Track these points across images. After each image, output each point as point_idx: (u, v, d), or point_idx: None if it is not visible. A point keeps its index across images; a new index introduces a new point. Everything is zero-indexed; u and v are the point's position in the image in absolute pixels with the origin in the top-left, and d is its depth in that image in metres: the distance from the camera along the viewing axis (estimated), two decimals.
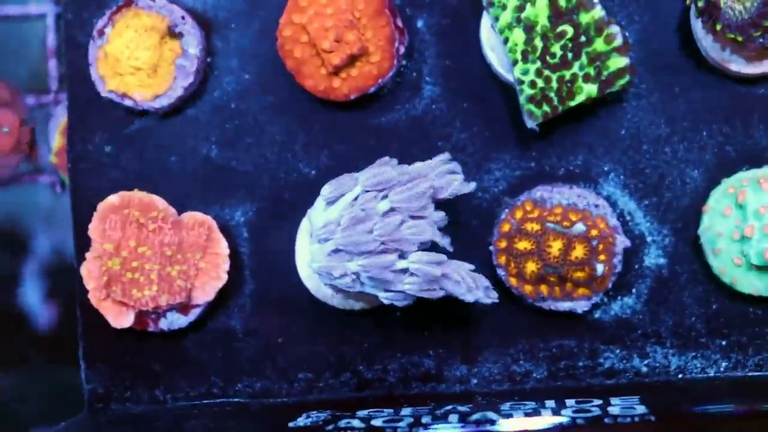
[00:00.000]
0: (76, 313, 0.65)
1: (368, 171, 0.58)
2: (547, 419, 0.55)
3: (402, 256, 0.57)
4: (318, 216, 0.59)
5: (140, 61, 0.62)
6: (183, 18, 0.62)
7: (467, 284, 0.57)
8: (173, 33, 0.62)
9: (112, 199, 0.61)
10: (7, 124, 0.70)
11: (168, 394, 0.64)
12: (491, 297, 0.58)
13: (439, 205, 0.59)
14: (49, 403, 0.70)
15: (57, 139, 0.72)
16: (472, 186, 0.58)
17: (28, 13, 0.70)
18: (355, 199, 0.58)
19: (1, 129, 0.70)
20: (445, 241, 0.58)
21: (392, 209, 0.57)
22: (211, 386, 0.63)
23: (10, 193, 0.76)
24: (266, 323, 0.63)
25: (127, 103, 0.62)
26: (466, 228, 0.62)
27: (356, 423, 0.56)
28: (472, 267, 0.57)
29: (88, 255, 0.62)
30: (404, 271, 0.57)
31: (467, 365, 0.63)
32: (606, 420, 0.54)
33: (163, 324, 0.62)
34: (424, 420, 0.56)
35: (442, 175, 0.58)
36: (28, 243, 0.92)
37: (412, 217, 0.57)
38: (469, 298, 0.57)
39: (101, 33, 0.62)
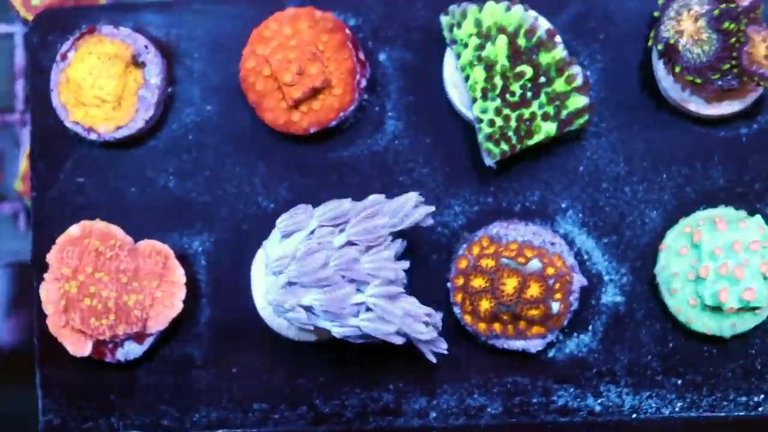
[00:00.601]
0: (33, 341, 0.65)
1: (325, 206, 0.59)
2: None
3: (358, 289, 0.57)
4: (273, 248, 0.60)
5: (104, 91, 0.62)
6: (146, 47, 0.63)
7: (422, 329, 0.57)
8: (137, 62, 0.63)
9: (73, 230, 0.62)
10: None
11: (121, 423, 0.64)
12: (440, 348, 0.58)
13: (400, 235, 0.60)
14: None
15: (23, 163, 0.72)
16: (429, 221, 0.59)
17: None
18: (311, 233, 0.59)
19: None
20: (401, 275, 0.58)
21: (349, 242, 0.57)
22: (164, 416, 0.64)
23: None
24: (222, 353, 0.64)
25: (91, 136, 0.63)
26: (426, 263, 0.63)
27: None
28: (430, 310, 0.58)
29: (46, 276, 0.62)
30: (360, 305, 0.57)
31: (426, 397, 0.63)
32: None
33: (120, 354, 0.63)
34: None
35: (407, 212, 0.58)
36: None
37: (369, 248, 0.57)
38: (422, 343, 0.57)
39: (64, 57, 0.63)
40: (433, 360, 0.58)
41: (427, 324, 0.58)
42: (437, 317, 0.58)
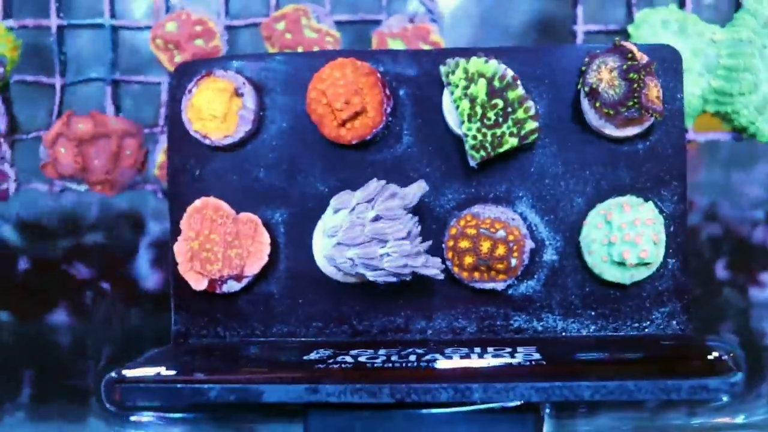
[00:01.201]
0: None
1: (361, 190, 0.58)
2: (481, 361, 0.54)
3: (382, 246, 0.56)
4: (328, 219, 0.59)
5: (216, 111, 0.61)
6: (244, 83, 0.61)
7: (425, 262, 0.56)
8: (238, 93, 0.61)
9: (196, 203, 0.61)
10: (129, 149, 0.69)
11: (227, 332, 0.63)
12: (439, 273, 0.57)
13: (414, 212, 0.59)
14: (155, 339, 0.69)
15: (160, 157, 0.71)
16: (424, 187, 0.58)
17: (148, 80, 0.69)
18: (353, 209, 0.58)
19: (125, 152, 0.69)
20: (416, 231, 0.57)
21: (378, 216, 0.56)
22: (254, 329, 0.63)
23: (132, 194, 0.75)
24: (292, 289, 0.62)
25: (206, 141, 0.61)
26: (429, 230, 0.61)
27: (348, 359, 0.56)
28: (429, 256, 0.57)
29: (179, 238, 0.61)
30: (386, 255, 0.56)
31: (426, 321, 0.62)
32: (513, 363, 0.54)
33: (225, 288, 0.62)
34: (393, 358, 0.55)
35: (413, 195, 0.58)
36: (144, 227, 0.92)
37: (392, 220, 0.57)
38: (427, 272, 0.57)
39: (190, 91, 0.61)
40: (440, 277, 0.57)
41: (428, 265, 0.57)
42: (436, 260, 0.57)
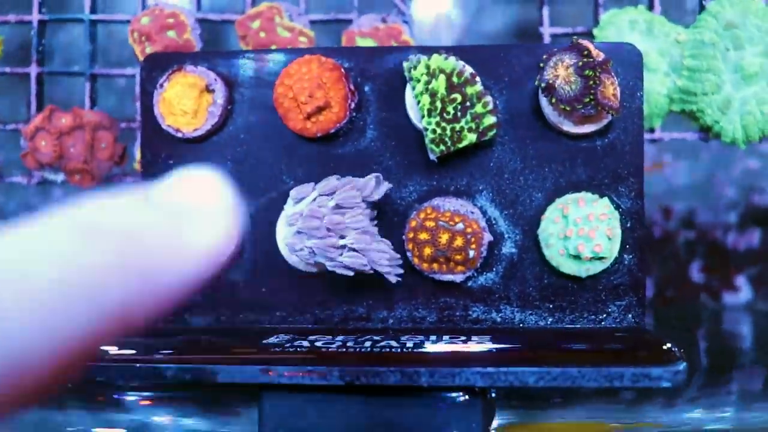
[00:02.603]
0: None
1: (323, 182, 0.60)
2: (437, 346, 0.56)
3: (342, 238, 0.58)
4: (289, 209, 0.60)
5: (186, 107, 0.62)
6: (215, 79, 0.63)
7: (385, 259, 0.58)
8: (209, 89, 0.63)
9: None
10: (104, 141, 0.71)
11: (192, 318, 0.64)
12: (397, 276, 0.59)
13: (374, 205, 0.61)
14: None
15: (139, 152, 0.73)
16: (383, 188, 0.59)
17: (125, 73, 0.71)
18: (314, 200, 0.59)
19: (100, 145, 0.71)
20: (372, 228, 0.59)
21: (337, 205, 0.58)
22: (220, 316, 0.64)
23: (108, 188, 0.77)
24: (257, 279, 0.64)
25: (178, 134, 0.63)
26: (390, 222, 0.63)
27: (305, 343, 0.57)
28: (391, 246, 0.58)
29: None
30: (343, 248, 0.58)
31: (387, 311, 0.63)
32: (463, 349, 0.55)
33: None
34: (348, 343, 0.57)
35: (369, 185, 0.59)
36: None
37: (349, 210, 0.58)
38: (384, 270, 0.58)
39: (161, 85, 0.63)
40: (393, 281, 0.58)
41: (389, 259, 0.58)
42: (396, 255, 0.59)
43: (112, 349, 0.56)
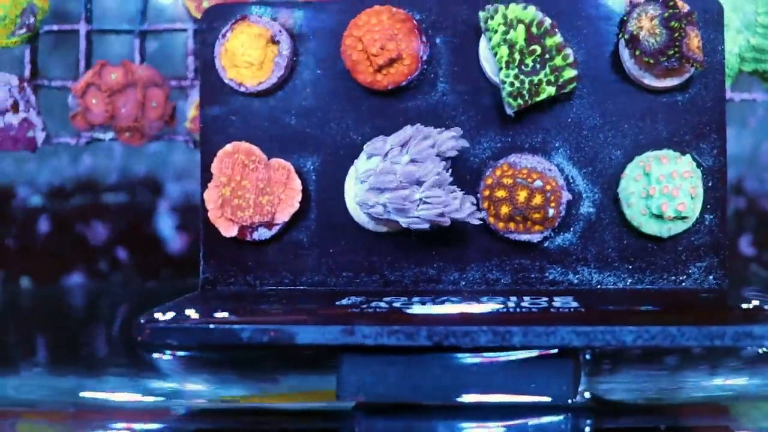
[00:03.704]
0: (199, 240, 0.63)
1: (395, 135, 0.57)
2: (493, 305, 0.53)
3: (417, 190, 0.55)
4: (361, 165, 0.57)
5: (252, 58, 0.60)
6: (280, 31, 0.60)
7: (460, 205, 0.55)
8: (274, 40, 0.60)
9: (228, 147, 0.60)
10: (155, 100, 0.68)
11: (256, 280, 0.62)
12: (479, 219, 0.56)
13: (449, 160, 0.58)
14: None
15: (191, 111, 0.70)
16: (464, 143, 0.57)
17: (175, 27, 0.68)
18: (386, 154, 0.56)
19: (151, 103, 0.68)
20: (447, 177, 0.56)
21: (412, 160, 0.55)
22: (283, 278, 0.62)
23: (155, 147, 0.74)
24: (323, 238, 0.61)
25: (241, 89, 0.60)
26: (463, 180, 0.60)
27: (382, 304, 0.54)
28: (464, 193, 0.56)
29: (209, 185, 0.60)
30: (418, 201, 0.55)
31: (459, 272, 0.61)
32: (552, 309, 0.52)
33: (255, 235, 0.61)
34: (428, 305, 0.54)
35: (446, 140, 0.57)
36: (164, 186, 0.91)
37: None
38: (463, 216, 0.56)
39: (224, 35, 0.61)
40: (477, 222, 0.57)
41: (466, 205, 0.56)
42: (472, 199, 0.57)
43: (180, 314, 0.53)
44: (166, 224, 0.92)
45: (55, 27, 0.71)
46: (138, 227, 0.91)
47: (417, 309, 0.53)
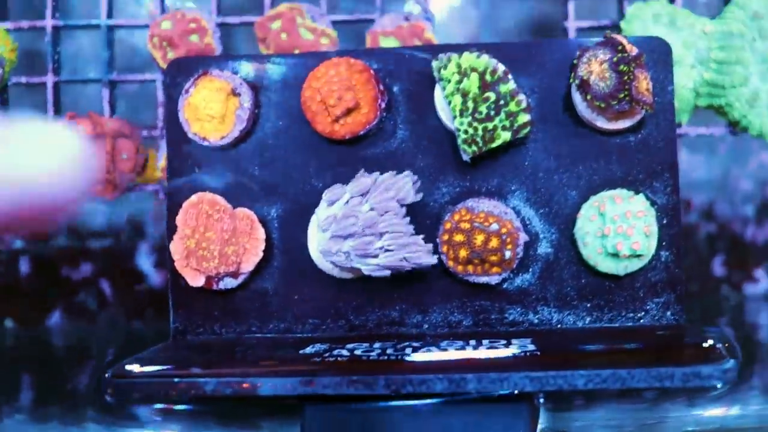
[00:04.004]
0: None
1: (353, 183, 0.58)
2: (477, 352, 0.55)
3: (378, 238, 0.57)
4: (322, 212, 0.59)
5: (214, 111, 0.61)
6: (241, 83, 0.62)
7: (421, 249, 0.57)
8: (235, 93, 0.62)
9: (192, 198, 0.61)
10: (126, 151, 0.69)
11: (223, 329, 0.63)
12: (432, 260, 0.58)
13: (408, 206, 0.59)
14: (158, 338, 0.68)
15: (162, 161, 0.71)
16: (419, 196, 0.59)
17: (144, 78, 0.69)
18: (347, 202, 0.58)
19: (121, 155, 0.69)
20: (408, 227, 0.58)
21: (371, 208, 0.57)
22: (251, 326, 0.63)
23: (130, 197, 0.76)
24: (288, 286, 0.62)
25: (204, 143, 0.62)
26: (423, 225, 0.61)
27: (344, 352, 0.56)
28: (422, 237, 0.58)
29: (175, 237, 0.61)
30: (380, 249, 0.57)
31: (421, 315, 0.62)
32: (508, 353, 0.54)
33: (222, 285, 0.62)
34: (389, 351, 0.56)
35: (406, 189, 0.58)
36: (143, 229, 0.92)
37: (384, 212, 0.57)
38: (421, 261, 0.57)
39: (187, 90, 0.62)
40: (433, 262, 0.58)
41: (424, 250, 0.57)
42: (429, 245, 0.58)
43: (147, 366, 0.55)
44: (145, 263, 0.93)
45: (23, 79, 0.73)
46: (120, 266, 0.93)
47: (376, 355, 0.54)
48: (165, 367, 0.54)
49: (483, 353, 0.54)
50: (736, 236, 0.93)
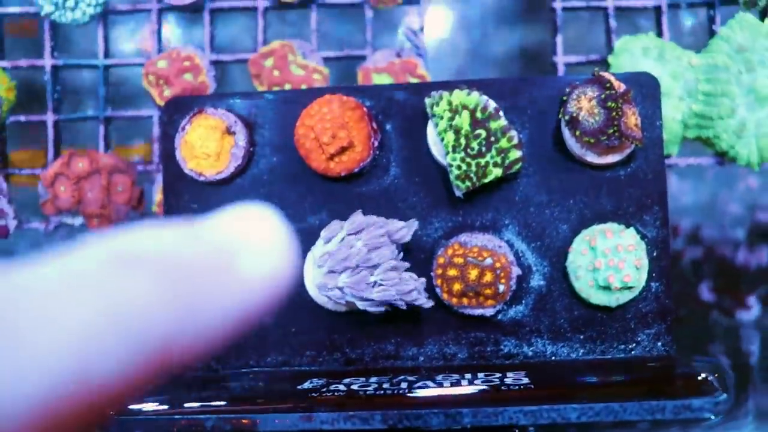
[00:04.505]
0: None
1: (350, 220, 0.59)
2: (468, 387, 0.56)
3: (372, 274, 0.58)
4: (318, 249, 0.60)
5: (209, 149, 0.62)
6: (235, 122, 0.63)
7: (414, 288, 0.58)
8: (230, 131, 0.63)
9: None
10: (121, 185, 0.70)
11: (219, 364, 0.64)
12: (428, 302, 0.59)
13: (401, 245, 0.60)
14: None
15: (158, 195, 0.72)
16: (408, 237, 0.60)
17: (140, 114, 0.70)
18: (342, 239, 0.59)
19: (117, 188, 0.70)
20: (401, 263, 0.59)
21: (365, 245, 0.58)
22: (249, 359, 0.64)
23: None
24: (285, 320, 0.63)
25: (201, 178, 0.63)
26: (417, 260, 0.62)
27: (341, 387, 0.57)
28: (416, 277, 0.58)
29: None
30: (374, 284, 0.58)
31: (417, 347, 0.63)
32: (502, 387, 0.55)
33: None
34: (385, 385, 0.57)
35: (401, 232, 0.59)
36: None
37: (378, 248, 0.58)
38: (414, 299, 0.58)
39: (183, 128, 0.63)
40: (428, 305, 0.59)
41: (417, 289, 0.58)
42: (422, 281, 0.59)
43: (145, 404, 0.55)
44: None
45: (22, 118, 0.74)
46: None
47: (373, 390, 0.55)
48: (166, 405, 0.55)
49: (478, 387, 0.55)
50: (726, 261, 0.94)
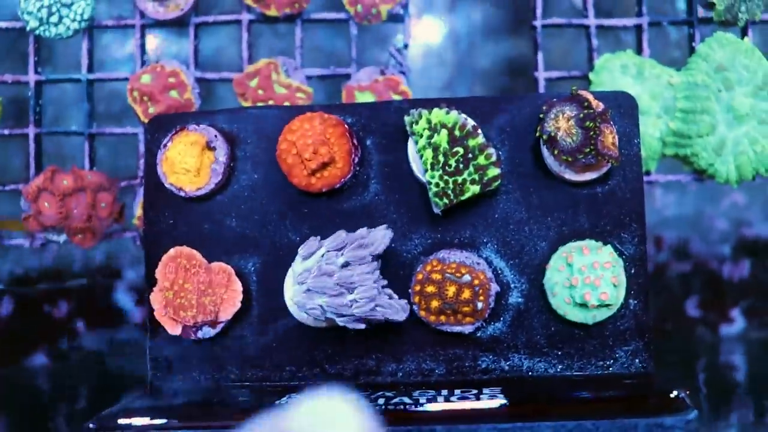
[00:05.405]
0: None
1: (331, 238, 0.60)
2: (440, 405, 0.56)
3: (351, 292, 0.58)
4: (297, 266, 0.61)
5: (188, 165, 0.63)
6: (216, 136, 0.64)
7: (392, 305, 0.58)
8: (210, 147, 0.64)
9: (171, 251, 0.63)
10: (104, 201, 0.71)
11: (201, 376, 0.64)
12: (405, 312, 0.60)
13: (380, 258, 0.61)
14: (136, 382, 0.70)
15: (138, 210, 0.73)
16: (389, 233, 0.60)
17: (126, 131, 0.71)
18: (323, 256, 0.59)
19: (101, 204, 0.71)
20: (380, 281, 0.59)
21: (346, 262, 0.58)
22: (229, 373, 0.64)
23: (108, 244, 0.77)
24: (265, 335, 0.64)
25: (181, 193, 0.63)
26: (396, 276, 0.63)
27: None
28: (392, 294, 0.59)
29: (154, 288, 0.63)
30: (352, 302, 0.58)
31: (396, 363, 0.64)
32: (478, 405, 0.55)
33: (200, 334, 0.63)
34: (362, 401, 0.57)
35: (379, 242, 0.60)
36: (121, 272, 0.93)
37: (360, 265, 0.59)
38: (393, 314, 0.59)
39: (165, 145, 0.64)
40: (402, 318, 0.59)
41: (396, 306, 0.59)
42: (403, 301, 0.59)
43: (127, 417, 0.56)
44: (125, 301, 0.95)
45: (6, 131, 0.74)
46: (97, 305, 0.94)
47: None
48: (144, 419, 0.56)
49: (454, 404, 0.56)
50: (712, 274, 0.95)
